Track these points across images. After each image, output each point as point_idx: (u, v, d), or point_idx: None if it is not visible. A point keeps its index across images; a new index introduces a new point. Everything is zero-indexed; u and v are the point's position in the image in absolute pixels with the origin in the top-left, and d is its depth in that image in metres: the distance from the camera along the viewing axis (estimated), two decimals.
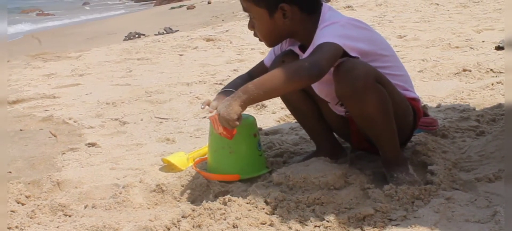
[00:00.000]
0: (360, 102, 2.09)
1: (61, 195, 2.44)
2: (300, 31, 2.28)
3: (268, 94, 2.08)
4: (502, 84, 3.58)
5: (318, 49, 2.08)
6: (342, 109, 2.43)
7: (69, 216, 2.26)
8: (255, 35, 2.38)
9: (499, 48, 4.79)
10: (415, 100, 2.40)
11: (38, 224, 2.19)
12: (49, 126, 3.63)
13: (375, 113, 2.12)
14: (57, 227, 2.16)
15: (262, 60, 2.57)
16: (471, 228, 1.86)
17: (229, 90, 2.33)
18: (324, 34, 2.13)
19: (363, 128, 2.27)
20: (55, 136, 3.39)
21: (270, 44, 2.38)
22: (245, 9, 2.31)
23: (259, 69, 2.51)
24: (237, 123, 2.08)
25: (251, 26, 2.34)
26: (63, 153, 3.06)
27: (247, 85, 2.07)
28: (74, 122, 3.71)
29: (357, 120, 2.23)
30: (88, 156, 3.00)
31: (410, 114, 2.37)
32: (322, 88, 2.38)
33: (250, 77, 2.45)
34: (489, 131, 2.76)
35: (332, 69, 2.12)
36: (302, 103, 2.51)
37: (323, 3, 2.29)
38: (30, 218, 2.22)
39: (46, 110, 4.08)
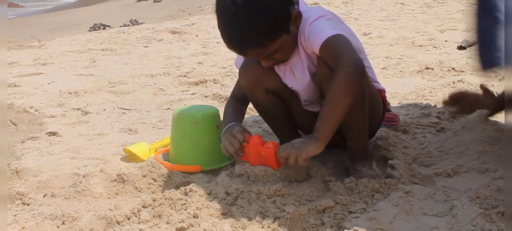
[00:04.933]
0: None
1: (19, 184, 2.40)
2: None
3: (339, 122, 2.06)
4: (463, 82, 3.65)
5: (335, 48, 2.06)
6: (318, 106, 2.41)
7: (27, 204, 2.23)
8: (273, 65, 2.26)
9: (461, 47, 4.88)
10: (382, 92, 2.48)
11: None
12: (9, 115, 3.56)
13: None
14: (15, 215, 2.13)
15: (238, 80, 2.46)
16: (428, 221, 1.89)
17: (233, 124, 2.30)
18: (319, 29, 2.11)
19: None
20: (15, 125, 3.33)
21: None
22: (258, 55, 2.15)
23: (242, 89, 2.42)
24: None
25: (270, 61, 2.21)
26: (23, 142, 3.01)
27: (320, 126, 2.04)
28: (35, 110, 3.65)
29: None
30: (48, 145, 2.95)
31: (381, 107, 2.44)
32: (310, 89, 2.34)
33: (238, 101, 2.44)
34: (449, 128, 2.80)
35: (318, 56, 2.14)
36: (275, 108, 2.42)
37: None
38: None
39: (7, 99, 4.01)
